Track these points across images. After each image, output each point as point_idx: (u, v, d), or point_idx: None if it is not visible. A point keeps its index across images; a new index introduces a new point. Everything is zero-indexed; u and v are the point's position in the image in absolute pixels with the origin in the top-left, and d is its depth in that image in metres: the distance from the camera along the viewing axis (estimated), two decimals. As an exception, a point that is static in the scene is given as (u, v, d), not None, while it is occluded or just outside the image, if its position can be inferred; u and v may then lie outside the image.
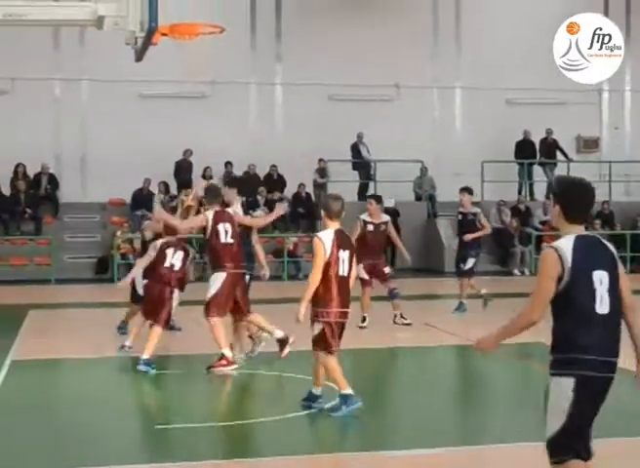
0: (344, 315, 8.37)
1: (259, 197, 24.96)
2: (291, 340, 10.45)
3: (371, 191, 25.83)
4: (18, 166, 24.48)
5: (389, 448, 7.58)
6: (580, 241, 5.11)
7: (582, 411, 5.11)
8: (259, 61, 26.72)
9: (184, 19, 11.79)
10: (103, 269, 23.38)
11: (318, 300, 8.26)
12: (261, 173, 25.77)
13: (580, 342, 5.07)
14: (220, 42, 11.78)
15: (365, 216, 13.95)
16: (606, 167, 27.57)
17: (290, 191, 25.62)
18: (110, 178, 24.80)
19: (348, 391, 8.29)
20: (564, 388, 5.12)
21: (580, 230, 5.20)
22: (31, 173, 24.82)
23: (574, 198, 5.21)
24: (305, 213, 25.22)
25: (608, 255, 5.19)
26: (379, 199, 14.70)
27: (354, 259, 8.53)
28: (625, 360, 5.31)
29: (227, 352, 10.36)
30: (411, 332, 13.55)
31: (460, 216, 15.70)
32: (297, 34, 26.42)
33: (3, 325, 15.60)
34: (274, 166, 25.71)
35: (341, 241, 8.48)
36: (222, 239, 10.51)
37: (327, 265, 8.23)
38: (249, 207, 24.75)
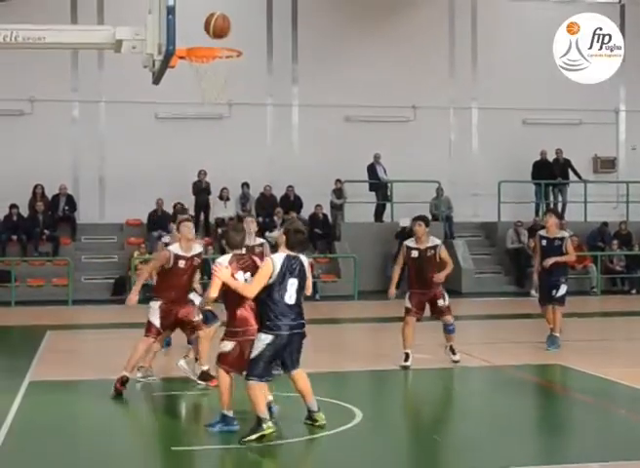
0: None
1: (275, 218, 25.01)
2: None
3: (387, 212, 25.88)
4: (36, 187, 24.62)
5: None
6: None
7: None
8: (275, 83, 26.83)
9: (202, 43, 11.85)
10: (121, 290, 23.42)
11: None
12: (278, 193, 25.83)
13: None
14: (238, 64, 11.83)
15: (409, 242, 12.61)
16: (623, 187, 27.52)
17: (307, 212, 25.66)
18: (128, 199, 24.92)
19: (229, 413, 8.57)
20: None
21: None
22: (49, 194, 24.96)
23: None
24: (322, 233, 25.25)
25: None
26: (426, 221, 12.86)
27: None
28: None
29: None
30: (428, 353, 13.43)
31: (544, 242, 14.08)
32: (313, 56, 26.52)
33: (21, 346, 15.67)
34: (291, 187, 25.77)
35: (242, 264, 8.66)
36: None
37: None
38: (265, 228, 24.89)
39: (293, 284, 8.39)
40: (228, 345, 8.52)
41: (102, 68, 25.52)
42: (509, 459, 7.92)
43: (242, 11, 26.07)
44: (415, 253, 12.39)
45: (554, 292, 13.98)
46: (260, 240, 13.37)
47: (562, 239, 14.04)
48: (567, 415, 9.98)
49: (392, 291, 12.52)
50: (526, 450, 8.24)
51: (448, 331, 12.51)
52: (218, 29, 11.66)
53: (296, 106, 27.12)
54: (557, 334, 13.93)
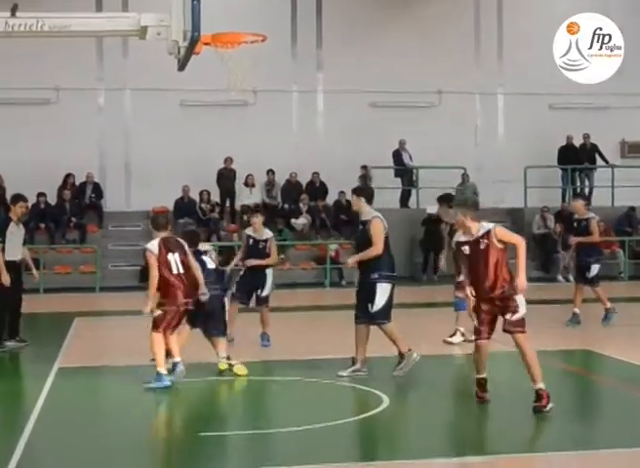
0: (185, 304, 10.44)
1: (301, 204, 25.02)
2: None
3: (413, 198, 25.80)
4: (68, 176, 24.76)
5: (438, 455, 7.55)
6: None
7: None
8: (300, 70, 26.79)
9: (226, 29, 11.84)
10: (147, 277, 23.45)
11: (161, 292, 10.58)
12: (304, 180, 25.83)
13: None
14: (262, 51, 11.81)
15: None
16: (651, 171, 27.30)
17: (332, 198, 25.64)
18: (153, 187, 25.00)
19: (162, 370, 10.10)
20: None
21: None
22: (76, 182, 25.08)
23: None
24: (348, 219, 25.23)
25: None
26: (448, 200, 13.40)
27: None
28: None
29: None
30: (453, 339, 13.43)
31: (575, 223, 15.25)
32: (338, 42, 26.44)
33: (50, 332, 15.80)
34: (316, 173, 25.76)
35: (169, 245, 10.70)
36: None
37: (159, 266, 10.51)
38: (291, 214, 24.90)
39: None
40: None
41: (127, 56, 25.57)
42: (539, 445, 7.91)
43: (267, -3, 26.14)
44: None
45: (587, 273, 14.82)
46: (267, 233, 13.48)
47: (587, 220, 14.83)
48: (594, 400, 9.95)
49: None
50: (555, 436, 8.22)
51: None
52: None
53: (321, 92, 27.07)
54: (610, 306, 14.80)
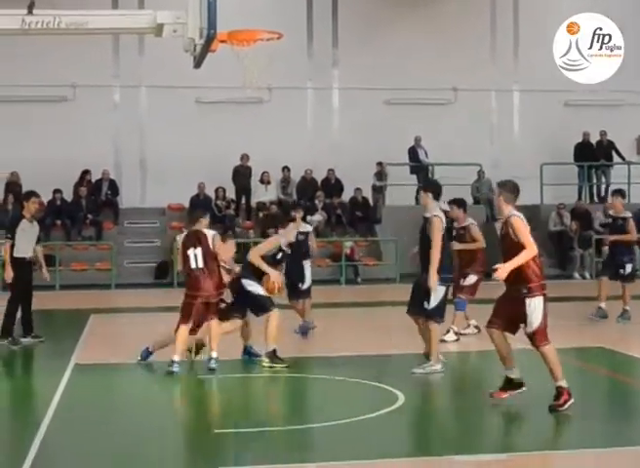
0: (206, 297, 10.82)
1: (316, 201, 25.02)
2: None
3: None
4: (85, 172, 24.85)
5: (457, 452, 7.54)
6: None
7: None
8: (316, 67, 26.79)
9: (242, 26, 11.85)
10: (163, 274, 23.58)
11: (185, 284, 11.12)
12: (319, 177, 25.83)
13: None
14: (278, 48, 11.82)
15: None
16: (667, 168, 27.19)
17: (347, 195, 25.63)
18: (169, 184, 25.06)
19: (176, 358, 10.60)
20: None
21: None
22: (92, 178, 25.16)
23: None
24: (363, 216, 25.23)
25: None
26: (460, 203, 13.61)
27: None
28: None
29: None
30: (468, 337, 13.43)
31: (610, 220, 15.36)
32: (353, 39, 26.43)
33: (66, 329, 15.85)
34: (331, 170, 25.76)
35: (188, 240, 10.96)
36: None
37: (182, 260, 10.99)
38: (306, 211, 24.91)
39: None
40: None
41: (143, 53, 25.64)
42: (554, 443, 7.90)
43: (282, -6, 26.15)
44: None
45: (622, 271, 14.89)
46: (306, 227, 13.89)
47: (624, 219, 14.87)
48: (610, 398, 9.92)
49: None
50: (571, 434, 8.21)
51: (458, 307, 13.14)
52: None
53: (336, 90, 27.07)
54: (627, 308, 14.81)
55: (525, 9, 27.60)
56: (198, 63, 11.69)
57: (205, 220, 11.18)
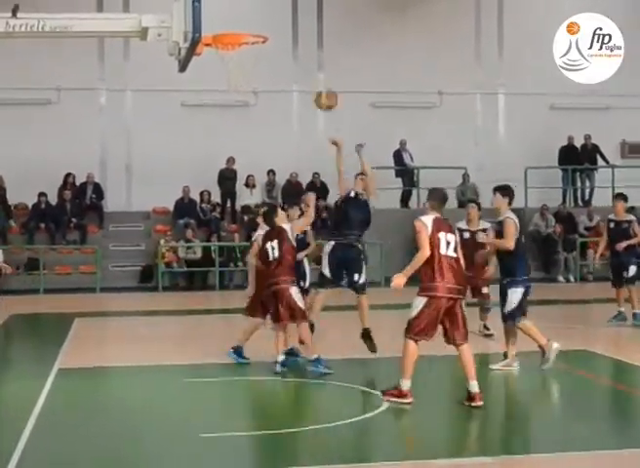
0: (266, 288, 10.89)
1: (302, 205, 24.95)
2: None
3: (413, 198, 25.80)
4: (67, 175, 24.78)
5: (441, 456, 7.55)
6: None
7: None
8: (301, 70, 26.79)
9: (227, 30, 11.84)
10: (148, 278, 23.55)
11: None
12: (304, 180, 25.83)
13: None
14: (263, 52, 11.81)
15: (461, 224, 13.52)
16: (651, 172, 27.28)
17: (332, 198, 25.61)
18: (154, 187, 25.00)
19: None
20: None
21: None
22: (76, 182, 25.09)
23: None
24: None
25: None
26: (479, 204, 14.03)
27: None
28: None
29: None
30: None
31: (612, 224, 15.03)
32: (338, 43, 26.43)
33: (50, 333, 15.81)
34: (317, 173, 25.75)
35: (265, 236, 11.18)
36: None
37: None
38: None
39: None
40: None
41: (128, 57, 25.58)
42: (536, 446, 7.90)
43: (267, -3, 26.14)
44: (466, 235, 12.93)
45: (625, 273, 14.77)
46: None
47: (630, 222, 14.79)
48: (594, 401, 9.94)
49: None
50: (556, 437, 8.21)
51: (486, 310, 13.35)
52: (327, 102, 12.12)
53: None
54: (638, 311, 14.71)
55: (509, 12, 27.67)
56: (183, 67, 11.67)
57: (283, 215, 11.76)
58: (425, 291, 9.06)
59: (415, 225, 9.20)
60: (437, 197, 9.49)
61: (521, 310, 10.87)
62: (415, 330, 9.08)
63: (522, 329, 10.91)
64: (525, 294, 10.87)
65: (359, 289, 11.91)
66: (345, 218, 12.10)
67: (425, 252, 9.02)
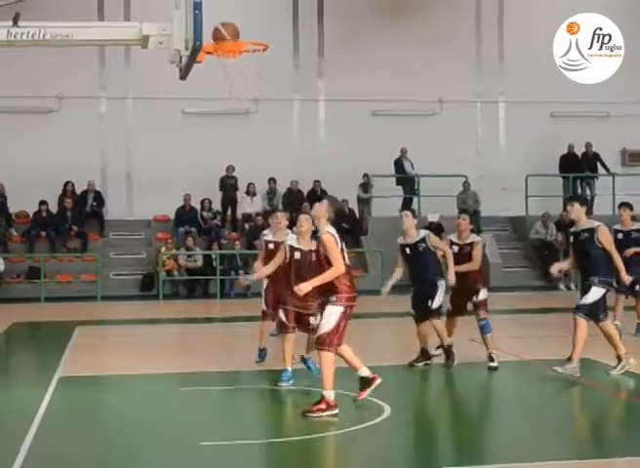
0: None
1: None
2: None
3: (414, 207, 25.79)
4: (67, 184, 24.80)
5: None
6: None
7: None
8: (302, 78, 26.84)
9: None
10: (149, 286, 23.54)
11: None
12: (305, 188, 25.84)
13: None
14: (264, 60, 11.82)
15: (452, 237, 12.46)
16: (652, 180, 27.29)
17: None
18: (155, 195, 25.04)
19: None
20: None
21: None
22: (77, 190, 25.12)
23: None
24: (350, 228, 25.23)
25: None
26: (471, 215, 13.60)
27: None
28: None
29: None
30: (456, 348, 13.39)
31: (620, 235, 14.25)
32: (339, 51, 26.48)
33: (51, 341, 15.78)
34: (317, 181, 25.78)
35: None
36: None
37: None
38: (292, 223, 24.85)
39: None
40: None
41: (129, 65, 25.63)
42: (539, 454, 7.88)
43: (268, 5, 26.17)
44: (455, 248, 12.16)
45: (637, 287, 14.33)
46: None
47: (638, 231, 14.42)
48: (595, 409, 9.93)
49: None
50: (558, 445, 8.20)
51: (480, 327, 12.07)
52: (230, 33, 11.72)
53: (322, 101, 27.11)
54: None
55: (510, 21, 27.71)
56: (184, 75, 11.68)
57: None
58: (342, 301, 9.13)
59: (325, 239, 9.09)
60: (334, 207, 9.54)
61: (600, 309, 11.03)
62: (334, 341, 9.14)
63: (602, 329, 11.10)
64: (604, 296, 11.06)
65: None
66: None
67: (341, 267, 9.06)
